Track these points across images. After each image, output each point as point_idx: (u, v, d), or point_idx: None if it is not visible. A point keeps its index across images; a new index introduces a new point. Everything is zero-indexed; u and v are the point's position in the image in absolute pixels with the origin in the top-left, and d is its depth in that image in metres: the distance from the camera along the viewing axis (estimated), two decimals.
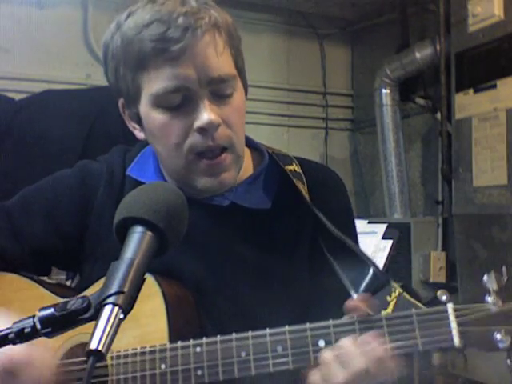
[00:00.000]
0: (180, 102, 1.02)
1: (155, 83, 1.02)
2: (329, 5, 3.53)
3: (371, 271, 1.02)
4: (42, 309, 0.73)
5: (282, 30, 3.70)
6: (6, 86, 2.78)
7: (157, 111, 1.04)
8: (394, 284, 0.99)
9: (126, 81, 1.06)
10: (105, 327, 0.67)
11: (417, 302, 0.95)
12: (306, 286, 1.11)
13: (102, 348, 0.66)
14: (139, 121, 1.10)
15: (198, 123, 1.02)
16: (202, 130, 1.02)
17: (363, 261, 1.03)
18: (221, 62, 1.03)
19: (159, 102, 1.03)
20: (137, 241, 0.76)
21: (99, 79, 3.12)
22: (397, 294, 0.98)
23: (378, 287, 1.00)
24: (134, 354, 0.98)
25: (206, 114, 1.01)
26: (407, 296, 0.97)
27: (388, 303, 0.97)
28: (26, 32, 2.96)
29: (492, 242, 2.50)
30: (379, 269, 1.03)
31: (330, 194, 1.17)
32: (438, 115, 3.08)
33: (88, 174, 1.19)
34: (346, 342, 0.89)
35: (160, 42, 0.99)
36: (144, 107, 1.06)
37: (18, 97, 2.56)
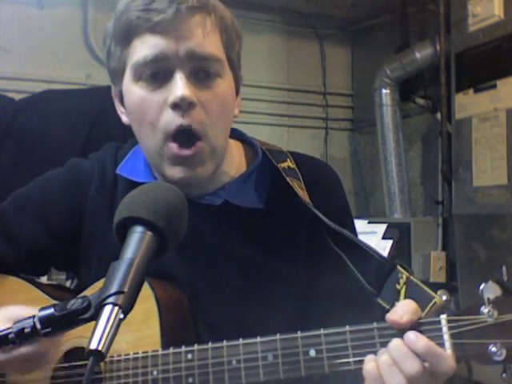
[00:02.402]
0: (158, 76, 1.01)
1: (136, 53, 1.01)
2: (329, 5, 3.53)
3: (376, 259, 1.00)
4: (42, 309, 0.73)
5: (282, 30, 3.70)
6: (5, 86, 2.78)
7: (137, 86, 1.02)
8: (400, 268, 0.96)
9: (115, 57, 1.06)
10: (105, 327, 0.67)
11: (424, 287, 0.92)
12: (302, 285, 1.10)
13: (102, 348, 0.66)
14: (122, 100, 1.08)
15: (170, 98, 0.99)
16: (175, 106, 0.99)
17: (365, 251, 1.02)
18: (206, 42, 1.01)
19: (139, 74, 1.02)
20: (137, 241, 0.76)
21: (99, 79, 3.13)
22: (405, 279, 0.95)
23: (386, 274, 0.98)
24: (127, 360, 0.98)
25: (180, 89, 0.98)
26: (415, 280, 0.94)
27: (399, 292, 0.95)
28: (26, 32, 2.96)
29: (492, 242, 2.50)
30: (382, 255, 1.01)
31: (326, 190, 1.15)
32: (438, 115, 3.08)
33: (79, 173, 1.17)
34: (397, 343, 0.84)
35: (144, 12, 0.99)
36: (126, 84, 1.05)
37: (18, 97, 2.56)
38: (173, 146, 1.01)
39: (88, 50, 3.11)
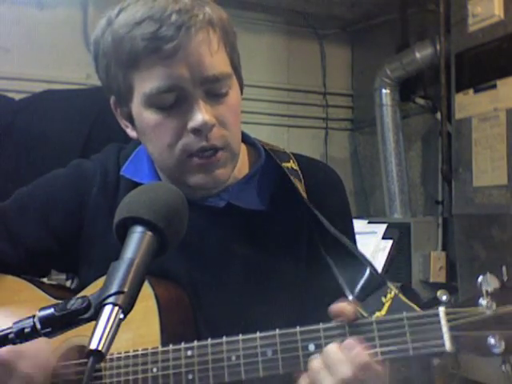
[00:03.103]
0: (173, 102, 1.00)
1: (148, 83, 0.99)
2: (329, 5, 3.53)
3: (367, 271, 1.00)
4: (41, 309, 0.73)
5: (282, 30, 3.70)
6: (5, 86, 2.78)
7: (149, 111, 1.02)
8: (390, 285, 0.97)
9: (118, 79, 1.04)
10: (105, 327, 0.67)
11: (412, 305, 0.92)
12: (304, 286, 1.10)
13: (102, 348, 0.66)
14: (131, 119, 1.07)
15: (192, 124, 0.99)
16: (196, 131, 1.00)
17: (360, 260, 1.02)
18: (215, 61, 1.00)
19: (152, 102, 1.01)
20: (137, 241, 0.76)
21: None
22: (392, 295, 0.96)
23: (373, 287, 0.98)
24: (127, 357, 0.98)
25: (201, 115, 0.99)
26: (403, 298, 0.94)
27: (383, 304, 0.95)
28: (26, 32, 2.96)
29: (492, 242, 2.50)
30: (376, 269, 1.01)
31: (328, 192, 1.16)
32: (438, 115, 3.08)
33: (81, 174, 1.17)
34: (332, 348, 0.87)
35: (152, 40, 0.96)
36: (136, 107, 1.04)
37: (18, 97, 2.56)
38: (195, 161, 1.02)
39: (88, 50, 3.09)
